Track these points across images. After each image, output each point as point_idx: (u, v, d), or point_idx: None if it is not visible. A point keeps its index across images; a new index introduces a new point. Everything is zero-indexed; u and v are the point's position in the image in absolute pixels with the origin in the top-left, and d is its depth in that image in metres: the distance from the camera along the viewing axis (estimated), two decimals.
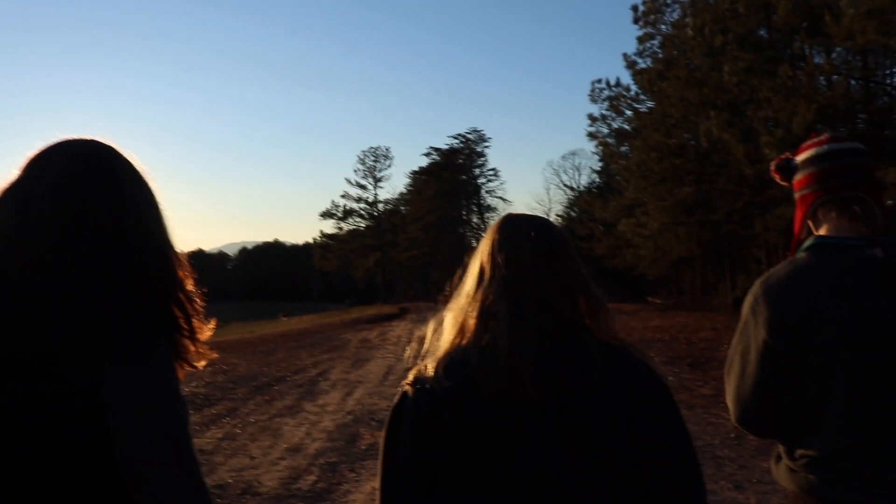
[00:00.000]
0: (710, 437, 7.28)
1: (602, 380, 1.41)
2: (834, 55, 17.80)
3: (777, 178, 2.11)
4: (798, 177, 2.01)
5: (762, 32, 19.77)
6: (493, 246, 1.58)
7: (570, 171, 78.22)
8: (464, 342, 1.50)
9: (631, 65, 30.12)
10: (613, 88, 32.02)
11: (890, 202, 18.33)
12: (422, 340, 1.62)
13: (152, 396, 1.20)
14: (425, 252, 68.07)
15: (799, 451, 1.84)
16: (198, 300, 1.44)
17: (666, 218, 23.50)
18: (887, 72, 19.90)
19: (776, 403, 1.90)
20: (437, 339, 1.58)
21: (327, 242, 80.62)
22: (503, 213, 1.76)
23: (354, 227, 78.39)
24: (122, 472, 1.20)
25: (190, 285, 1.42)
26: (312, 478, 6.61)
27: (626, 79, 38.33)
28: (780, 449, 1.96)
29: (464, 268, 1.64)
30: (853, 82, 17.77)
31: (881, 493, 1.71)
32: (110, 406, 1.17)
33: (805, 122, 14.94)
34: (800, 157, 2.01)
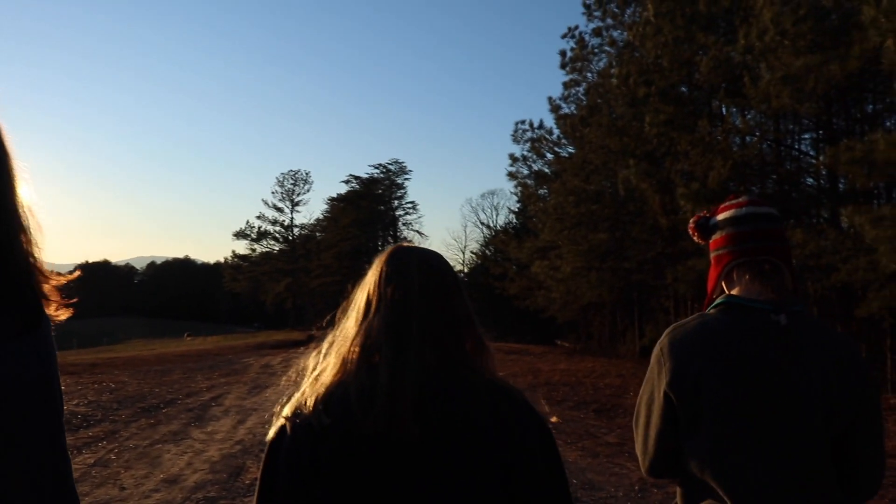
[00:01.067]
0: (615, 488, 7.00)
1: (486, 420, 1.39)
2: (749, 116, 18.29)
3: (694, 235, 2.15)
4: (715, 236, 2.05)
5: (684, 88, 20.21)
6: (380, 277, 1.54)
7: (489, 209, 79.16)
8: (345, 377, 1.45)
9: (555, 109, 30.49)
10: (536, 130, 32.38)
11: (795, 262, 18.87)
12: (302, 372, 1.55)
13: (35, 367, 1.24)
14: (337, 280, 67.06)
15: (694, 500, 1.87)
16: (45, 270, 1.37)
17: (579, 262, 23.56)
18: (796, 137, 20.64)
19: (679, 455, 1.92)
20: (319, 372, 1.51)
21: (239, 263, 79.23)
22: (393, 245, 1.68)
23: (268, 249, 77.19)
24: None
25: (38, 252, 1.35)
26: None
27: (550, 122, 38.87)
28: (679, 497, 1.96)
29: (349, 299, 1.59)
30: (765, 145, 18.32)
31: None
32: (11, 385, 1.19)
33: (720, 177, 15.19)
34: (718, 217, 2.07)
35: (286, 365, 23.22)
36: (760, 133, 16.89)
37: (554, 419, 12.57)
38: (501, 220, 60.11)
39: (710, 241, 2.08)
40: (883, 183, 17.18)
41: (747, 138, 17.97)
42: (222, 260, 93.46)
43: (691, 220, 2.15)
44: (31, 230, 1.33)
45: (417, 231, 71.83)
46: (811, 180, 19.56)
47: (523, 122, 32.36)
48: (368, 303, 1.52)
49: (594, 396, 14.57)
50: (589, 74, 29.19)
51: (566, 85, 30.76)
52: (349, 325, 1.53)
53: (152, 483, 6.90)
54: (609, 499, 6.60)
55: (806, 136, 20.73)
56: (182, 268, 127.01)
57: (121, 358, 26.14)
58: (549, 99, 29.37)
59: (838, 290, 16.72)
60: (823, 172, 19.59)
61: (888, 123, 17.87)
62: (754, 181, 17.83)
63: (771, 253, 1.94)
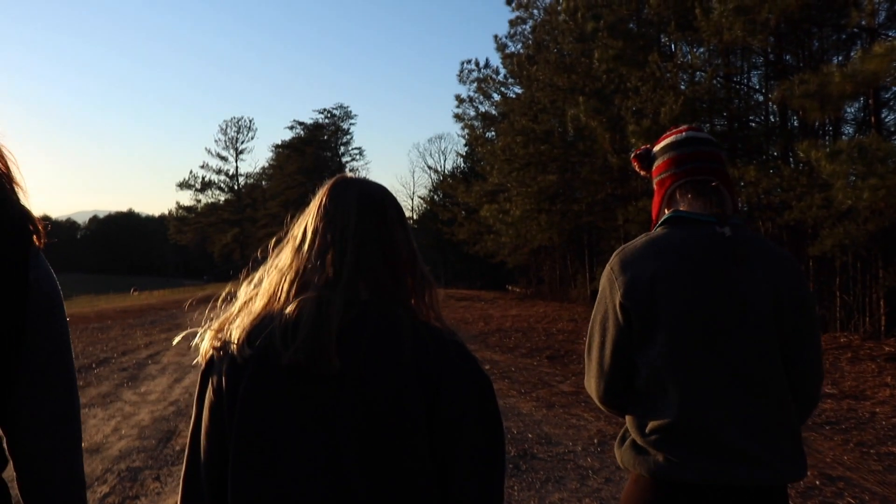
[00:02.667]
0: (572, 442, 6.58)
1: (411, 360, 1.34)
2: (700, 52, 17.85)
3: (636, 166, 2.20)
4: (657, 163, 2.09)
5: (632, 25, 19.65)
6: (318, 208, 1.51)
7: (436, 154, 78.49)
8: (273, 308, 1.42)
9: (501, 47, 29.77)
10: (482, 70, 31.72)
11: (743, 201, 18.82)
12: (232, 299, 1.51)
13: (56, 288, 1.47)
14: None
15: (650, 424, 1.84)
16: None
17: (528, 205, 23.09)
18: (745, 74, 20.28)
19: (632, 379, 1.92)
20: (248, 301, 1.48)
21: (184, 215, 77.54)
22: (336, 176, 1.63)
23: (213, 200, 75.54)
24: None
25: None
26: (104, 489, 5.47)
27: (496, 61, 38.10)
28: (630, 425, 1.93)
29: (286, 229, 1.55)
30: (715, 81, 17.93)
31: (724, 463, 1.76)
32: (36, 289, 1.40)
33: (672, 113, 14.76)
34: (659, 146, 2.11)
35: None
36: (711, 68, 16.40)
37: (487, 367, 12.22)
38: (449, 166, 59.45)
39: (653, 169, 2.11)
40: (830, 119, 16.98)
41: (697, 74, 17.59)
42: (167, 213, 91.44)
43: (633, 152, 2.20)
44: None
45: (364, 177, 70.57)
46: (760, 118, 19.32)
47: (469, 61, 31.69)
48: (304, 234, 1.48)
49: (547, 342, 14.24)
50: (535, 12, 28.50)
51: (512, 23, 30.08)
52: (283, 256, 1.49)
53: None
54: (567, 454, 6.19)
55: (755, 73, 20.43)
56: (126, 221, 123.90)
57: None
58: (495, 37, 28.67)
59: (790, 228, 16.57)
60: (773, 109, 19.43)
61: (838, 59, 17.59)
62: (705, 117, 17.43)
63: (713, 174, 1.98)
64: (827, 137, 17.45)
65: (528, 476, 5.59)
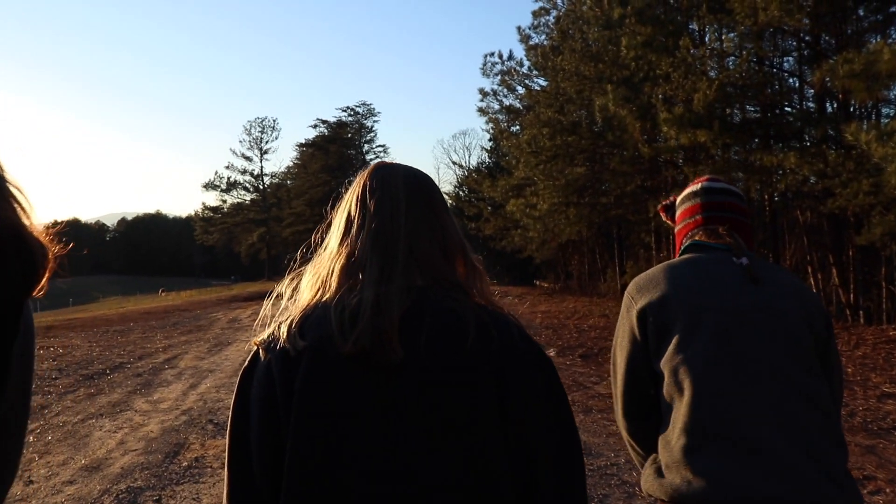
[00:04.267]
0: (614, 453, 6.01)
1: (477, 345, 1.26)
2: (732, 35, 17.16)
3: (663, 216, 2.31)
4: (677, 212, 2.20)
5: (660, 11, 18.98)
6: (363, 193, 1.42)
7: (461, 150, 78.09)
8: (324, 299, 1.33)
9: (525, 39, 29.23)
10: (506, 63, 31.16)
11: (787, 192, 18.11)
12: (279, 298, 1.42)
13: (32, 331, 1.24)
14: (310, 228, 65.38)
15: (674, 430, 1.75)
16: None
17: (556, 198, 22.47)
18: (779, 59, 19.51)
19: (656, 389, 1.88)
20: (296, 297, 1.40)
21: (210, 215, 78.10)
22: (375, 162, 1.53)
23: (239, 200, 75.94)
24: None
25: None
26: None
27: (520, 53, 37.51)
28: (659, 447, 1.82)
29: (327, 222, 1.47)
30: (747, 66, 17.22)
31: (747, 464, 1.64)
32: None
33: (706, 99, 14.12)
34: (680, 196, 2.22)
35: (256, 318, 21.92)
36: (746, 52, 15.69)
37: (552, 353, 11.68)
38: (474, 161, 58.84)
39: (675, 218, 2.21)
40: (873, 101, 16.22)
41: (730, 59, 16.91)
42: (193, 213, 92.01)
43: (660, 204, 2.30)
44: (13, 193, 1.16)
45: None
46: (795, 103, 18.55)
47: (492, 54, 31.16)
48: (349, 221, 1.41)
49: (579, 340, 13.67)
50: (559, 1, 27.88)
51: (535, 14, 29.51)
52: (329, 246, 1.42)
53: (69, 472, 5.83)
54: (610, 467, 5.62)
55: (789, 58, 19.65)
56: (153, 222, 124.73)
57: (80, 319, 24.97)
58: (519, 28, 28.14)
59: (831, 217, 15.85)
60: (808, 94, 18.68)
61: (877, 40, 16.79)
62: (742, 103, 16.73)
63: (728, 222, 2.04)
64: (865, 122, 16.72)
65: None
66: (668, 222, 2.26)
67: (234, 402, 1.35)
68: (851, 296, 15.40)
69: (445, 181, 63.03)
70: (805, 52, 18.52)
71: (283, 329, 1.31)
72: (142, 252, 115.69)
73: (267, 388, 1.29)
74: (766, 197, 18.20)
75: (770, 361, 1.74)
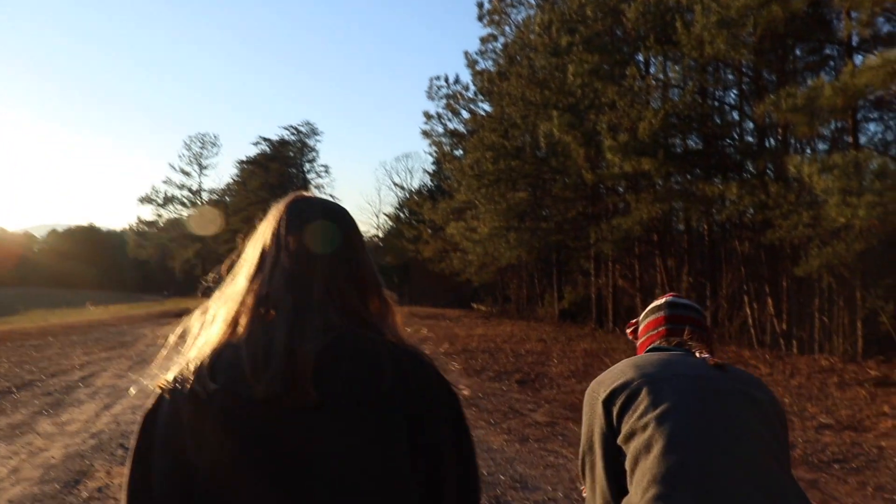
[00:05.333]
0: (552, 486, 5.72)
1: (391, 384, 1.23)
2: (678, 68, 17.38)
3: (630, 336, 2.30)
4: (640, 326, 2.22)
5: (613, 36, 19.16)
6: (278, 227, 1.36)
7: (403, 172, 78.22)
8: (235, 338, 1.26)
9: (472, 64, 29.26)
10: (452, 86, 31.14)
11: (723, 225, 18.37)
12: (184, 335, 1.33)
13: None
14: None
15: (634, 492, 1.61)
16: None
17: (497, 222, 22.41)
18: (722, 92, 19.85)
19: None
20: (204, 334, 1.30)
21: (144, 230, 76.52)
22: (292, 194, 1.46)
23: (176, 215, 74.57)
24: None
25: None
26: None
27: (466, 77, 37.57)
28: None
29: (238, 252, 1.41)
30: (690, 98, 17.44)
31: None
32: None
33: (651, 128, 14.15)
34: (643, 312, 2.26)
35: (185, 335, 21.18)
36: (692, 83, 15.85)
37: (466, 392, 11.37)
38: (416, 184, 58.77)
39: (639, 332, 2.23)
40: (813, 135, 16.55)
41: (674, 90, 17.10)
42: (128, 227, 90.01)
43: (627, 326, 2.32)
44: None
45: (330, 195, 69.92)
46: (735, 136, 18.84)
47: (438, 77, 31.14)
48: (264, 255, 1.34)
49: (516, 364, 13.43)
50: (507, 28, 28.06)
51: (483, 40, 29.58)
52: (240, 281, 1.34)
53: None
54: (548, 502, 5.34)
55: (732, 92, 20.01)
56: (86, 235, 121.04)
57: None
58: (466, 53, 28.25)
59: (767, 248, 16.05)
60: (748, 127, 19.01)
61: (812, 78, 17.18)
62: (685, 134, 16.89)
63: (689, 336, 2.03)
64: (806, 156, 17.05)
65: None
66: (634, 340, 2.28)
67: (135, 447, 1.27)
68: (784, 325, 15.58)
69: (387, 203, 62.90)
70: (745, 88, 18.90)
71: (192, 369, 1.24)
72: (72, 265, 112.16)
73: (175, 432, 1.22)
74: (706, 227, 18.39)
75: (742, 420, 1.68)
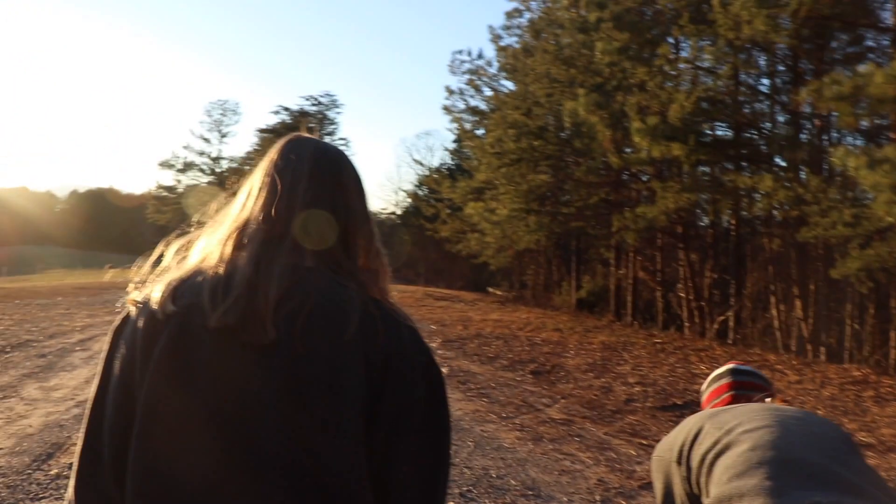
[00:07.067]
0: (567, 496, 5.12)
1: (358, 339, 1.16)
2: (713, 48, 16.59)
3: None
4: (704, 397, 2.23)
5: (638, 18, 18.36)
6: (269, 164, 1.37)
7: (423, 150, 77.81)
8: (206, 266, 1.26)
9: (496, 39, 28.49)
10: (475, 61, 30.39)
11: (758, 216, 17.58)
12: (160, 257, 1.34)
13: None
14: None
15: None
16: None
17: (516, 204, 21.70)
18: (755, 79, 19.02)
19: None
20: (180, 261, 1.32)
21: (164, 195, 76.60)
22: (289, 134, 1.44)
23: (195, 181, 74.55)
24: None
25: None
26: None
27: (490, 53, 36.84)
28: None
29: (232, 191, 1.42)
30: (721, 84, 16.65)
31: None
32: None
33: (683, 111, 13.40)
34: (706, 381, 2.26)
35: None
36: (726, 67, 15.07)
37: (445, 370, 10.80)
38: (436, 162, 58.15)
39: (703, 401, 2.21)
40: (858, 126, 15.74)
41: (704, 74, 16.33)
42: (148, 191, 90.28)
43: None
44: None
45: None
46: (768, 125, 18.04)
47: (461, 51, 30.43)
48: (250, 189, 1.35)
49: (531, 354, 12.83)
50: (534, 3, 27.17)
51: (509, 14, 28.73)
52: (225, 213, 1.35)
53: None
54: None
55: (765, 80, 19.16)
56: (106, 197, 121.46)
57: (6, 289, 23.51)
58: (490, 27, 27.43)
59: (797, 246, 15.30)
60: (781, 119, 18.18)
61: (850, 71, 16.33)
62: (716, 120, 16.13)
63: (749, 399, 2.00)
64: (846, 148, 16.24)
65: None
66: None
67: (103, 360, 1.26)
68: (812, 330, 14.86)
69: (406, 181, 62.44)
70: (777, 78, 18.07)
71: (158, 291, 1.22)
72: (92, 226, 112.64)
73: (130, 348, 1.20)
74: (734, 222, 17.64)
75: (822, 432, 1.58)
